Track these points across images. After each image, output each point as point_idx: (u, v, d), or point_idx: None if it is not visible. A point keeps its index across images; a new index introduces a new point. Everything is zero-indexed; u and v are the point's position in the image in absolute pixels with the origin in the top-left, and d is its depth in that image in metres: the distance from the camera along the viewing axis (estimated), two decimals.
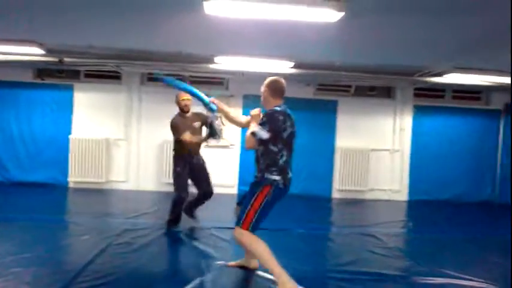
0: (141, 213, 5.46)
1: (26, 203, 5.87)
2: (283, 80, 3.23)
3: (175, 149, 4.68)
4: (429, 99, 7.82)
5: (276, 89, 3.19)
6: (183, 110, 4.66)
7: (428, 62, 5.98)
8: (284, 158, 3.08)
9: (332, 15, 3.66)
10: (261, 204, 3.02)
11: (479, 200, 7.65)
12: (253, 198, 3.05)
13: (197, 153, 4.68)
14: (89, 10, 4.10)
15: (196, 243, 4.21)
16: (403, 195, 7.72)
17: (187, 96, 4.48)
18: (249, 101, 7.28)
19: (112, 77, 7.26)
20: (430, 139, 7.67)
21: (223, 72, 6.76)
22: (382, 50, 5.29)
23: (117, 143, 7.32)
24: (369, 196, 7.57)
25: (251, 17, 3.83)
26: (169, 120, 4.65)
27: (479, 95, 7.92)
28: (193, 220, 4.84)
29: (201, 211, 4.95)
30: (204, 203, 4.78)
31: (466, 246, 4.66)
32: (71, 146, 7.08)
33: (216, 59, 5.99)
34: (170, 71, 6.79)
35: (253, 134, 3.02)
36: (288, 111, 3.16)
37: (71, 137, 7.11)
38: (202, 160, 4.74)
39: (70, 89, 7.21)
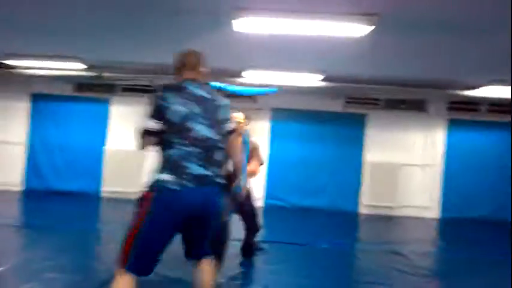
0: None
1: (62, 211, 6.13)
2: (194, 51, 2.49)
3: None
4: (464, 113, 7.59)
5: (178, 62, 2.45)
6: None
7: (460, 75, 5.84)
8: (178, 150, 2.15)
9: (361, 30, 3.67)
10: (142, 223, 1.91)
11: None
12: (132, 220, 1.95)
13: None
14: (125, 29, 4.33)
15: None
16: (434, 213, 7.47)
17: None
18: (278, 114, 7.37)
19: (146, 91, 7.50)
20: (465, 154, 7.41)
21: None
22: (412, 63, 5.23)
23: (150, 154, 7.50)
24: (398, 213, 7.38)
25: (279, 33, 3.91)
26: None
27: None
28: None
29: None
30: None
31: (499, 268, 4.43)
32: (105, 157, 7.36)
33: (243, 73, 6.11)
34: None
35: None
36: (193, 87, 2.26)
37: (105, 148, 7.40)
38: None
39: (107, 102, 7.54)
